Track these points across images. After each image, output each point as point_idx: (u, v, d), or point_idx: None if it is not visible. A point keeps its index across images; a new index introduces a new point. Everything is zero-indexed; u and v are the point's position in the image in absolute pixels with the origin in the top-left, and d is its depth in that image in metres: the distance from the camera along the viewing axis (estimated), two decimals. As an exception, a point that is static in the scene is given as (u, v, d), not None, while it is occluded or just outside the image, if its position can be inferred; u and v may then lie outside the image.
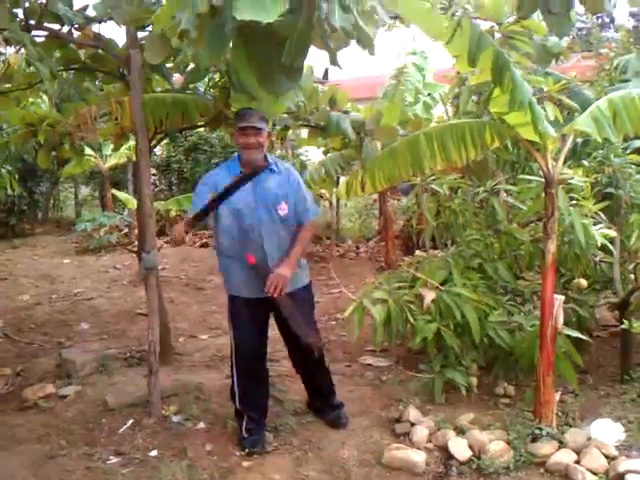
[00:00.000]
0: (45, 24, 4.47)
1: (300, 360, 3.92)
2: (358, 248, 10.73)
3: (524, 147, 3.85)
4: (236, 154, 3.74)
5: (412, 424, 3.81)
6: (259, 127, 3.50)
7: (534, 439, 3.56)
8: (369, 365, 5.04)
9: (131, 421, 4.06)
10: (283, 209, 3.59)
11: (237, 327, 3.73)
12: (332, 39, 2.64)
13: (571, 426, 3.69)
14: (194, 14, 2.54)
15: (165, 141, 12.91)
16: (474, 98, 5.32)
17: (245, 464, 3.53)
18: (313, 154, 12.53)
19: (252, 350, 3.72)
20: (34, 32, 4.49)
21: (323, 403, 4.01)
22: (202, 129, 10.06)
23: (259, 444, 3.67)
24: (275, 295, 3.41)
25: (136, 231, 10.88)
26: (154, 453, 3.66)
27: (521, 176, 4.65)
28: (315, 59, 2.94)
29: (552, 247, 3.57)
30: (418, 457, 3.43)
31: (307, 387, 4.06)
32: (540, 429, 3.58)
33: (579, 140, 4.73)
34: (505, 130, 3.63)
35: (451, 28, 3.37)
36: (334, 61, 2.83)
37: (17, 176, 10.27)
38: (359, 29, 2.59)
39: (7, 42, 4.40)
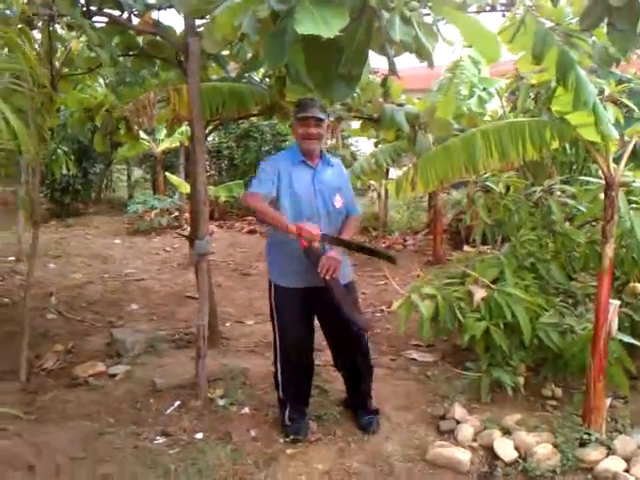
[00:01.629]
0: (106, 10, 4.55)
1: (344, 356, 3.89)
2: (405, 241, 10.67)
3: (584, 148, 3.77)
4: (293, 144, 3.71)
5: (457, 422, 3.79)
6: (320, 118, 3.49)
7: (582, 444, 3.50)
8: (414, 360, 5.02)
9: (178, 403, 4.13)
10: (338, 201, 3.62)
11: (282, 317, 3.70)
12: (392, 47, 2.62)
13: (621, 433, 3.62)
14: (255, 18, 2.55)
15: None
16: (531, 95, 5.24)
17: (289, 451, 3.55)
18: (363, 145, 12.50)
19: (298, 341, 3.71)
20: (95, 18, 4.58)
21: (359, 404, 3.92)
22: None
23: (302, 431, 3.69)
24: (327, 278, 3.37)
25: (186, 215, 11.07)
26: (200, 436, 3.72)
27: (581, 177, 4.56)
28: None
29: (609, 251, 3.49)
30: (463, 456, 3.41)
31: (347, 386, 4.00)
32: (589, 434, 3.52)
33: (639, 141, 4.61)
34: (566, 130, 3.55)
35: (514, 26, 3.33)
36: (394, 70, 2.80)
37: (73, 157, 10.51)
38: (419, 42, 2.56)
39: (69, 28, 4.50)
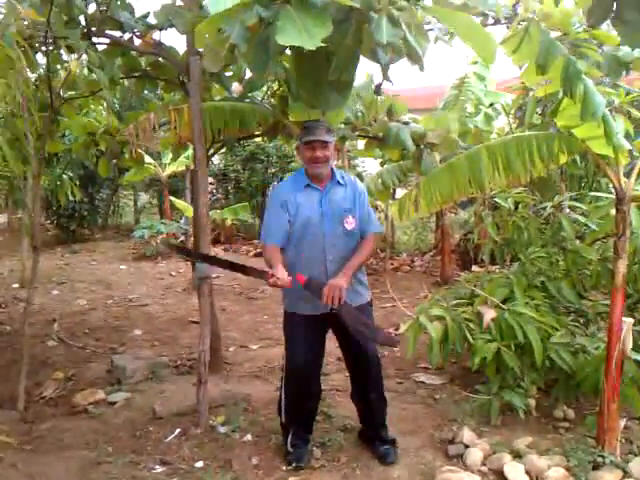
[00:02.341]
0: (107, 32, 4.52)
1: (357, 386, 3.74)
2: (413, 262, 10.56)
3: (593, 162, 3.66)
4: (301, 168, 3.58)
5: (466, 446, 3.65)
6: (326, 140, 3.35)
7: (596, 467, 3.36)
8: (422, 383, 4.89)
9: (178, 430, 4.02)
10: (350, 223, 3.43)
11: (291, 343, 3.60)
12: (384, 52, 2.51)
13: (636, 455, 3.48)
14: (244, 27, 2.45)
15: (222, 150, 13.09)
16: (538, 111, 5.15)
17: (291, 479, 3.42)
18: (370, 165, 12.44)
19: (304, 368, 3.57)
20: (97, 39, 4.54)
21: (374, 434, 3.75)
22: (259, 139, 10.08)
23: (304, 459, 3.57)
24: (335, 305, 3.20)
25: (192, 239, 11.00)
26: (200, 464, 3.60)
27: (591, 193, 4.44)
28: (375, 68, 2.82)
29: (622, 267, 3.37)
30: (472, 481, 3.27)
31: (361, 416, 3.84)
32: (603, 457, 3.38)
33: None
34: (575, 143, 3.44)
35: (517, 36, 3.24)
36: (386, 76, 2.70)
37: (78, 182, 10.51)
38: (408, 44, 2.45)
39: (70, 49, 4.46)
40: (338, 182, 3.49)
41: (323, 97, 2.76)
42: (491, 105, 8.01)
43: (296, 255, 3.44)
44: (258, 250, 11.58)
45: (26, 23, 4.08)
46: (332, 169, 3.50)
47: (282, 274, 3.17)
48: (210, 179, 13.13)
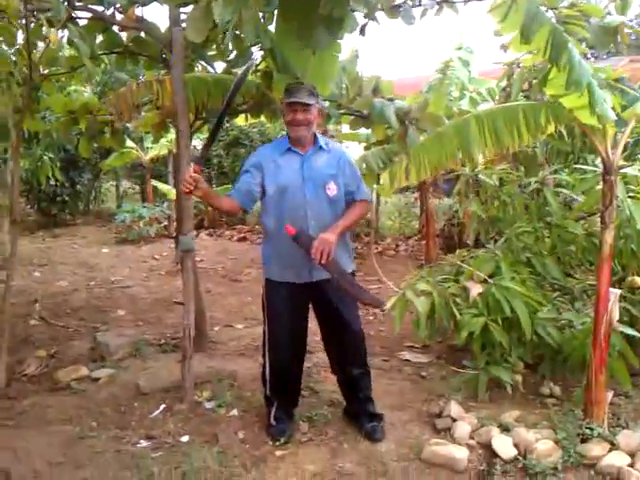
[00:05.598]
0: (89, 6, 4.43)
1: (339, 360, 3.71)
2: (397, 246, 10.54)
3: (581, 133, 3.64)
4: (286, 134, 3.54)
5: (454, 420, 3.64)
6: (308, 103, 3.31)
7: (584, 440, 3.36)
8: (408, 361, 4.87)
9: (163, 406, 3.98)
10: (332, 189, 3.41)
11: (273, 313, 3.55)
12: None
13: (624, 428, 3.48)
14: None
15: (205, 134, 12.94)
16: (522, 92, 5.11)
17: (278, 453, 3.40)
18: (354, 150, 12.38)
19: (287, 338, 3.54)
20: (78, 14, 4.46)
21: (361, 409, 3.69)
22: (243, 123, 9.98)
23: (286, 433, 3.54)
24: (323, 262, 3.16)
25: (175, 223, 10.91)
26: (185, 439, 3.57)
27: (578, 166, 4.42)
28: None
29: (609, 238, 3.35)
30: (460, 453, 3.25)
31: (343, 390, 3.79)
32: (591, 429, 3.38)
33: (630, 140, 4.48)
34: (562, 113, 3.41)
35: (505, 5, 3.20)
36: (372, 16, 2.67)
37: (59, 166, 10.36)
38: None
39: (50, 23, 4.37)
40: (321, 147, 3.47)
41: (314, 34, 2.71)
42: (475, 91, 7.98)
43: (278, 219, 3.40)
44: (242, 235, 11.55)
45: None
46: (315, 134, 3.47)
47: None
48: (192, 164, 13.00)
